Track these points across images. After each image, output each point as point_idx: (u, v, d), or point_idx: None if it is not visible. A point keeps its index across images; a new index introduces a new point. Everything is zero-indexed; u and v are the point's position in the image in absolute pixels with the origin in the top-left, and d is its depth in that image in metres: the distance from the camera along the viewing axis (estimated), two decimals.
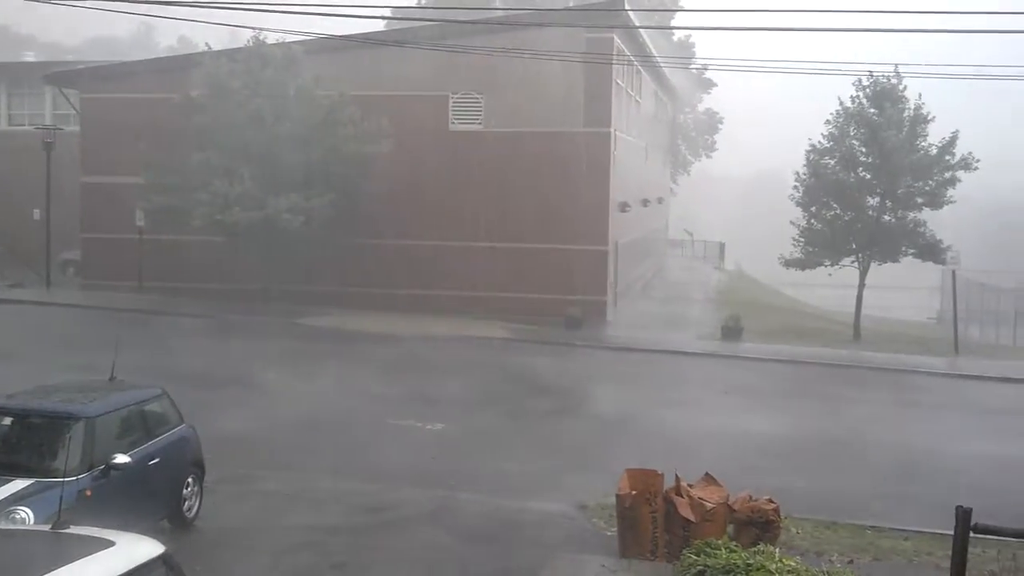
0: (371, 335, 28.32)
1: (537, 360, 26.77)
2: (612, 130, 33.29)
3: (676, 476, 11.54)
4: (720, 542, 10.12)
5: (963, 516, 9.42)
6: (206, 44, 33.90)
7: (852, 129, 33.60)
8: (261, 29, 32.34)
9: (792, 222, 34.95)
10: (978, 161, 32.64)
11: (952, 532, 9.40)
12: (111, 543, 6.71)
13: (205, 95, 31.03)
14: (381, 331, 28.77)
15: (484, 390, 22.20)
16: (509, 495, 13.88)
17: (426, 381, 22.47)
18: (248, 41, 32.74)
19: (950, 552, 9.44)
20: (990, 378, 27.99)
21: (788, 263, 35.01)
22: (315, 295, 32.56)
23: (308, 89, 31.26)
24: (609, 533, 12.12)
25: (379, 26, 35.84)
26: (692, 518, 11.04)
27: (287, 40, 31.78)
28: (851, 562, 11.45)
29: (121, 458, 10.22)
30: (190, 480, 12.03)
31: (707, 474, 12.02)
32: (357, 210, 31.32)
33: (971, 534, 9.35)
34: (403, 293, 32.66)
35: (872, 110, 33.22)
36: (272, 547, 11.42)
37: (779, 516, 11.47)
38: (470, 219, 33.16)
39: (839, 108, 33.88)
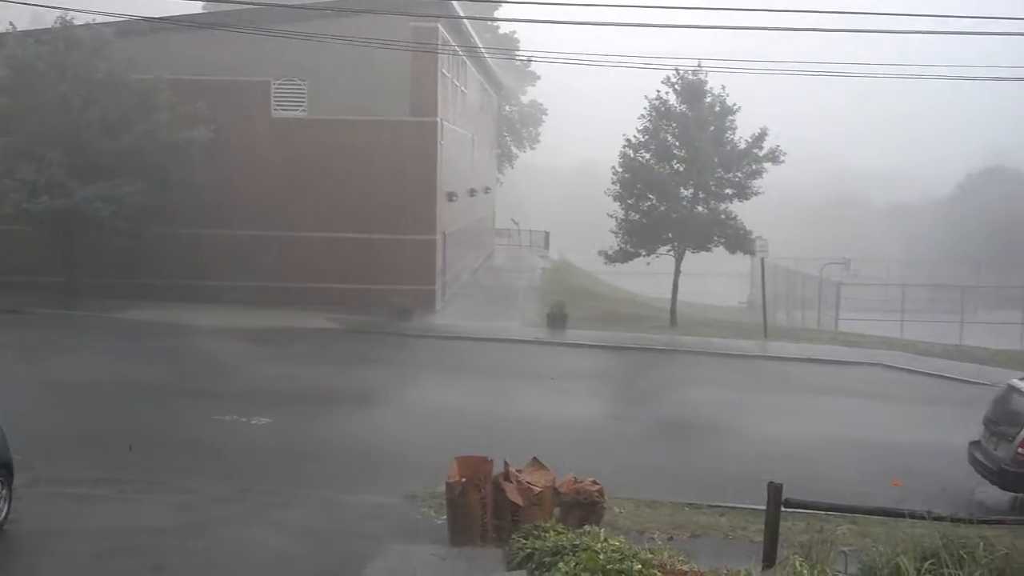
0: (191, 328, 27.33)
1: (363, 351, 26.57)
2: (438, 119, 33.30)
3: (505, 462, 11.68)
4: (548, 525, 10.36)
5: (774, 492, 9.98)
6: (10, 24, 31.84)
7: (665, 123, 34.75)
8: (68, 9, 30.60)
9: (610, 214, 35.88)
10: (785, 154, 34.34)
11: (765, 507, 9.98)
12: None
13: (8, 77, 29.23)
14: (203, 324, 27.81)
15: (308, 383, 21.85)
16: (336, 488, 13.72)
17: (249, 375, 21.90)
18: (55, 22, 30.92)
19: (763, 526, 10.01)
20: (795, 359, 29.68)
21: (608, 256, 35.97)
22: (133, 288, 31.18)
23: (119, 73, 29.83)
24: (439, 521, 12.16)
25: (197, 8, 34.63)
26: (520, 502, 11.19)
27: (97, 21, 30.24)
28: (671, 539, 11.87)
29: None
30: None
31: (534, 458, 12.20)
32: (175, 199, 30.15)
33: (782, 508, 9.95)
34: (228, 285, 31.68)
35: (682, 105, 34.48)
36: (88, 551, 10.89)
37: (603, 497, 11.78)
38: (296, 208, 32.48)
39: (651, 103, 34.97)
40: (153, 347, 25.01)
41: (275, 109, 32.72)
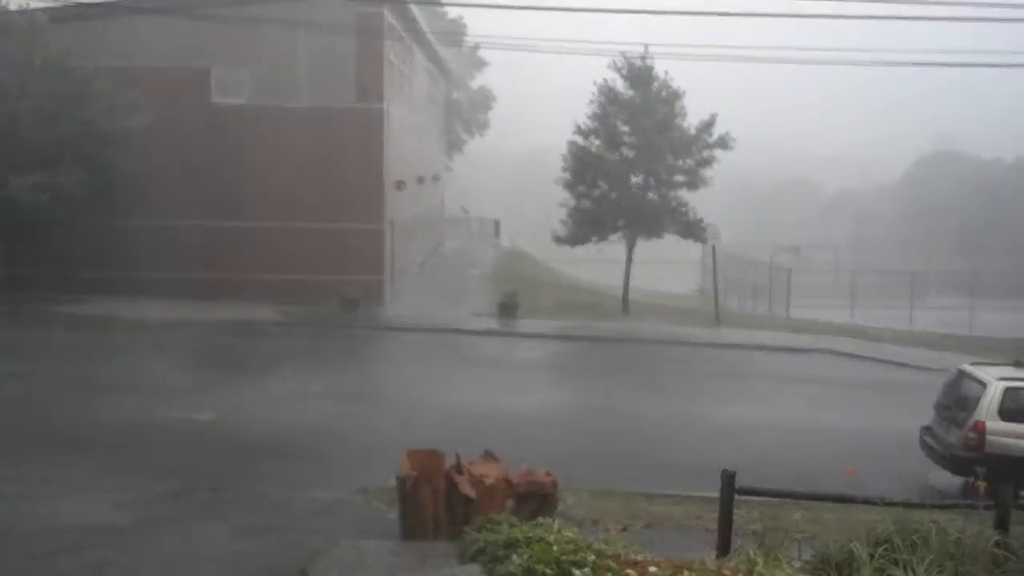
0: (132, 322, 26.80)
1: (308, 344, 26.24)
2: (385, 106, 32.89)
3: (456, 455, 11.48)
4: (501, 517, 10.20)
5: (727, 479, 9.90)
6: None
7: (614, 110, 34.66)
8: None
9: (561, 204, 35.75)
10: (735, 140, 34.41)
11: (718, 495, 9.90)
12: None
13: None
14: (144, 318, 27.29)
15: (253, 378, 21.47)
16: (285, 484, 13.44)
17: (193, 369, 21.47)
18: None
19: (717, 514, 9.93)
20: (747, 347, 29.83)
21: (560, 241, 35.86)
22: (72, 281, 30.39)
23: (56, 60, 29.00)
24: (390, 516, 11.93)
25: None
26: (473, 495, 11.01)
27: (32, 7, 29.40)
28: (625, 529, 11.79)
29: None
30: None
31: (487, 451, 12.03)
32: (115, 190, 29.44)
33: (736, 496, 9.88)
34: (170, 277, 30.97)
35: (631, 91, 34.41)
36: (28, 551, 10.51)
37: (557, 488, 11.63)
38: (240, 198, 31.88)
39: (599, 89, 34.85)
40: (92, 342, 24.45)
41: (216, 96, 32.07)
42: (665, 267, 53.58)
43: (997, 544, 9.21)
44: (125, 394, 18.79)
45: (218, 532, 11.47)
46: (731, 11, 20.29)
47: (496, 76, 69.20)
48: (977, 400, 15.26)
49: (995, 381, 15.31)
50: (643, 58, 34.17)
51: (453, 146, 66.85)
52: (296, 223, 32.06)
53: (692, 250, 48.71)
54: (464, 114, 68.17)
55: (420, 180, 42.52)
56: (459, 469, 11.32)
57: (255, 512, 12.20)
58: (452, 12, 58.59)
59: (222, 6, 28.94)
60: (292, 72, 31.53)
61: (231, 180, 31.79)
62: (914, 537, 9.17)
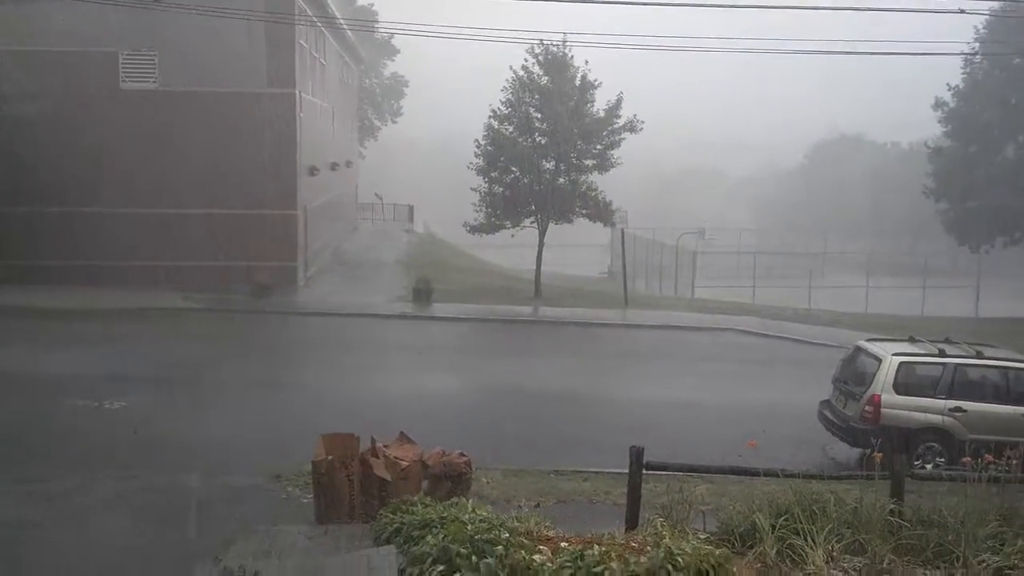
0: (36, 311, 26.11)
1: (221, 330, 25.92)
2: (297, 91, 32.57)
3: (372, 438, 11.60)
4: (416, 499, 10.37)
5: (636, 455, 10.25)
6: None
7: (528, 96, 34.91)
8: None
9: (474, 188, 35.90)
10: (643, 123, 34.90)
11: (627, 471, 10.24)
12: None
13: None
14: (55, 307, 26.61)
15: (165, 365, 21.18)
16: (198, 472, 13.33)
17: (102, 358, 21.09)
18: None
19: (626, 489, 10.27)
20: (654, 327, 30.48)
21: (472, 228, 36.02)
22: None
23: None
24: (305, 500, 11.99)
25: None
26: (388, 478, 11.15)
27: None
28: (537, 506, 12.07)
29: None
30: None
31: (401, 433, 12.17)
32: (20, 178, 28.59)
33: (644, 471, 10.22)
34: (80, 265, 30.33)
35: (545, 78, 34.69)
36: None
37: (470, 468, 11.84)
38: (152, 184, 31.25)
39: (515, 75, 35.06)
40: (27, 330, 23.76)
41: (124, 81, 31.34)
42: (576, 251, 54.22)
43: (892, 512, 9.72)
44: (30, 384, 18.38)
45: (130, 522, 11.40)
46: (637, 1, 20.65)
47: (409, 62, 68.90)
48: (873, 375, 15.87)
49: (890, 356, 15.95)
50: (560, 45, 34.46)
51: (366, 132, 66.41)
52: (208, 209, 31.58)
53: (601, 234, 49.35)
54: (377, 100, 67.75)
55: (333, 166, 42.20)
56: (374, 452, 11.44)
57: (167, 501, 12.14)
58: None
59: None
60: (204, 57, 30.93)
61: (142, 166, 31.14)
62: (813, 507, 9.62)
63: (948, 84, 40.85)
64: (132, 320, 26.18)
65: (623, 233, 37.14)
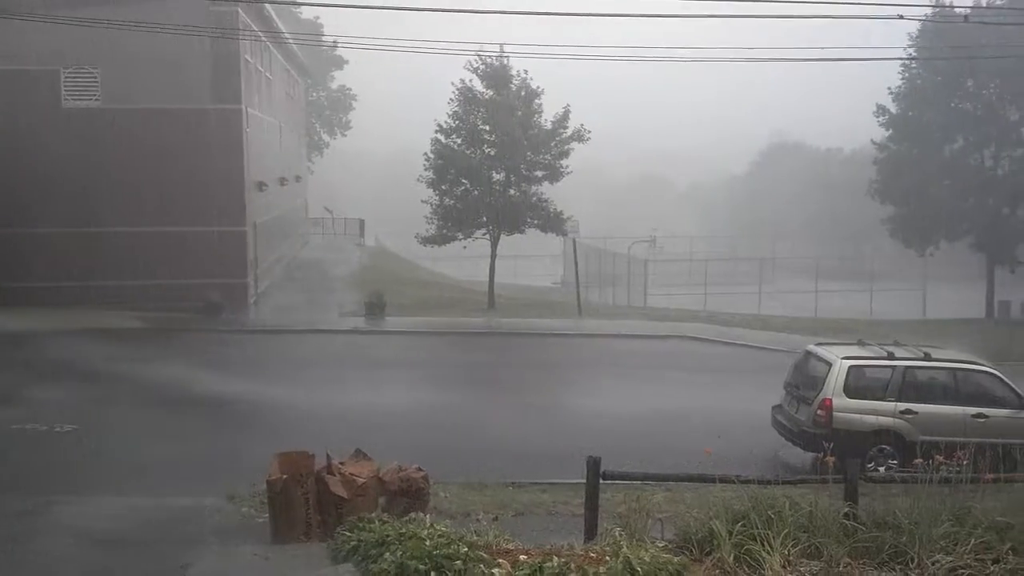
0: None
1: (171, 350, 25.55)
2: (243, 107, 32.28)
3: (327, 455, 11.49)
4: (373, 516, 10.28)
5: (593, 465, 10.26)
6: None
7: (474, 109, 34.95)
8: None
9: (424, 201, 35.82)
10: (590, 132, 35.08)
11: (584, 481, 10.24)
12: None
13: None
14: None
15: (115, 387, 20.82)
16: (151, 494, 13.13)
17: (52, 381, 20.70)
18: None
19: (584, 500, 10.27)
20: (607, 335, 30.61)
21: (425, 241, 35.95)
22: None
23: None
24: (260, 520, 11.82)
25: None
26: (344, 495, 11.04)
27: None
28: (496, 519, 12.01)
29: None
30: None
31: (358, 450, 12.07)
32: None
33: (601, 481, 10.24)
34: (25, 287, 29.69)
35: (489, 91, 34.76)
36: None
37: (428, 483, 11.78)
38: (97, 203, 30.75)
39: (457, 89, 35.08)
40: None
41: (66, 99, 30.87)
42: (528, 261, 54.34)
43: (847, 516, 9.81)
44: None
45: (83, 545, 11.15)
46: (580, 11, 20.82)
47: (358, 76, 68.71)
48: (823, 379, 16.03)
49: (840, 360, 16.12)
50: (499, 58, 34.53)
51: (315, 146, 66.05)
52: (157, 227, 31.13)
53: (554, 244, 49.50)
54: (325, 114, 67.42)
55: (282, 181, 41.89)
56: (330, 469, 11.33)
57: (121, 523, 11.91)
58: (308, 12, 57.77)
59: (75, 7, 27.75)
60: (148, 73, 30.53)
61: (87, 185, 30.67)
62: (769, 513, 9.68)
63: (888, 88, 41.62)
64: (89, 341, 25.70)
65: (575, 243, 37.32)
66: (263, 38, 36.87)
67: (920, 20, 38.29)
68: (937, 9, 38.84)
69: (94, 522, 11.96)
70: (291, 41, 43.95)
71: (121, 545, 11.21)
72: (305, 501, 11.05)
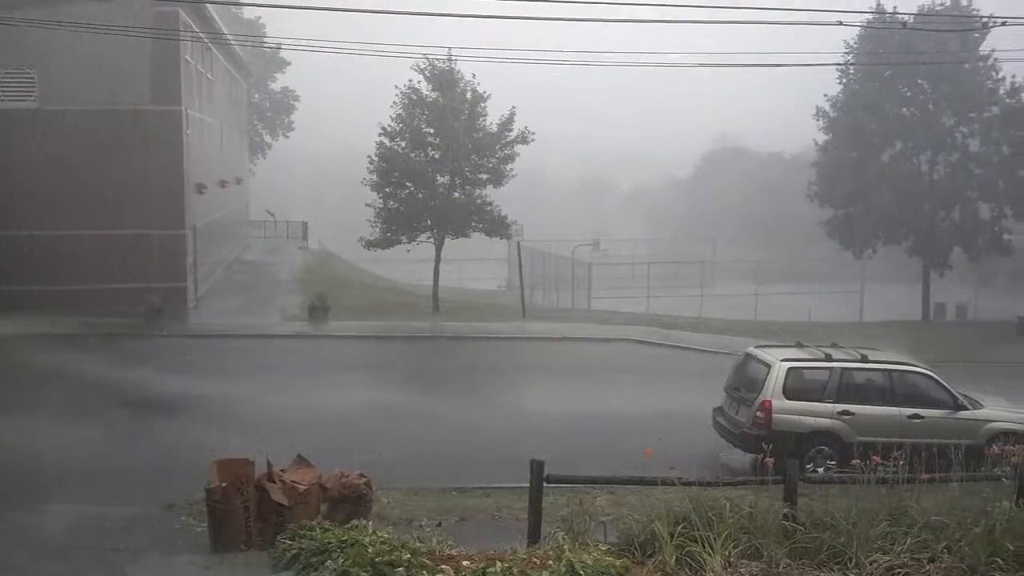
0: None
1: (108, 355, 25.06)
2: (183, 108, 31.85)
3: (268, 462, 11.34)
4: (314, 523, 10.18)
5: (536, 468, 10.27)
6: None
7: (419, 112, 34.80)
8: None
9: (368, 204, 35.60)
10: (534, 135, 35.08)
11: (528, 485, 10.25)
12: None
13: None
14: None
15: (48, 394, 20.35)
16: (86, 503, 12.84)
17: None
18: None
19: (528, 503, 10.27)
20: (551, 339, 30.69)
21: (368, 244, 35.71)
22: None
23: None
24: (199, 529, 11.64)
25: None
26: (285, 502, 10.91)
27: None
28: (439, 524, 11.97)
29: None
30: None
31: (299, 456, 11.94)
32: None
33: (545, 484, 10.25)
34: None
35: (434, 93, 34.65)
36: None
37: (371, 489, 11.69)
38: (33, 206, 30.23)
39: (402, 92, 34.91)
40: None
41: (1, 100, 30.23)
42: (473, 265, 54.29)
43: (786, 516, 9.95)
44: None
45: (16, 556, 10.88)
46: (526, 15, 20.85)
47: (301, 77, 68.10)
48: (763, 381, 16.21)
49: (779, 362, 16.32)
50: (446, 60, 34.43)
51: (256, 148, 65.36)
52: (95, 230, 30.64)
53: (498, 248, 49.50)
54: (267, 115, 66.76)
55: (223, 183, 41.39)
56: (271, 476, 11.19)
57: (55, 533, 11.64)
58: (250, 13, 57.18)
59: (11, 7, 27.14)
60: (86, 74, 30.03)
61: (25, 188, 30.10)
62: (710, 514, 9.78)
63: (825, 94, 42.31)
64: (24, 348, 25.12)
65: (519, 246, 37.37)
66: (204, 39, 36.42)
67: (859, 26, 39.03)
68: (876, 16, 39.59)
69: (26, 532, 11.69)
70: (233, 43, 43.46)
71: (55, 555, 10.95)
72: (245, 509, 10.90)
